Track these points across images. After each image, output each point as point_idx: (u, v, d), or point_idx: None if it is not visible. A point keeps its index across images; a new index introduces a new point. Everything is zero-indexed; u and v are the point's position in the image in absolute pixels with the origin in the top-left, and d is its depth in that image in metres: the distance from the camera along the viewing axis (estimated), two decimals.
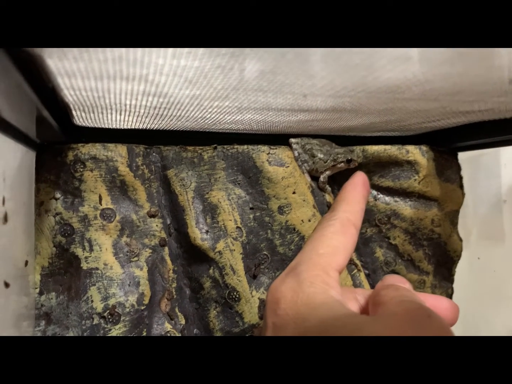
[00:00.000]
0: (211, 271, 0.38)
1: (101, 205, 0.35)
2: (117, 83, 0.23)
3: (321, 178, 0.41)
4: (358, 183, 0.35)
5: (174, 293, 0.38)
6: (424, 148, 0.42)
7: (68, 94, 0.25)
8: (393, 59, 0.22)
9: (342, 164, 0.40)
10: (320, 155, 0.39)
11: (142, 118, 0.32)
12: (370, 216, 0.44)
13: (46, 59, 0.19)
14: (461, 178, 0.45)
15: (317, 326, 0.20)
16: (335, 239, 0.27)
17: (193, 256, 0.38)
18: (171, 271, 0.38)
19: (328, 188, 0.42)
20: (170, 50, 0.19)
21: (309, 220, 0.39)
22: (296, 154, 0.40)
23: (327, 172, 0.40)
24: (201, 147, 0.38)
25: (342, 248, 0.26)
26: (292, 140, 0.40)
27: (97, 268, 0.35)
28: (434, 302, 0.26)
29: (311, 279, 0.23)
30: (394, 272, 0.44)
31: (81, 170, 0.35)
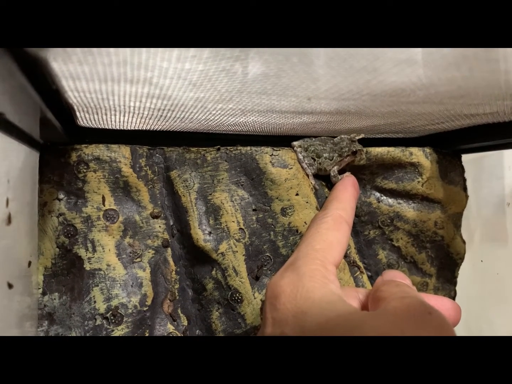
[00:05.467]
0: (213, 272, 0.38)
1: (104, 206, 0.35)
2: (121, 86, 0.23)
3: (331, 172, 0.40)
4: (348, 184, 0.36)
5: (176, 294, 0.38)
6: (427, 150, 0.42)
7: (72, 96, 0.25)
8: (398, 62, 0.22)
9: (348, 157, 0.40)
10: (325, 154, 0.39)
11: (145, 119, 0.32)
12: (373, 218, 0.44)
13: (51, 62, 0.19)
14: (464, 180, 0.44)
15: (317, 320, 0.20)
16: (329, 235, 0.27)
17: (195, 257, 0.38)
18: (173, 272, 0.38)
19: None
20: (175, 53, 0.19)
21: None
22: (301, 157, 0.39)
23: (336, 167, 0.40)
24: (204, 148, 0.38)
25: (336, 243, 0.27)
26: (294, 143, 0.40)
27: (100, 269, 0.35)
28: (436, 302, 0.26)
29: (310, 273, 0.23)
30: None
31: (85, 171, 0.35)
